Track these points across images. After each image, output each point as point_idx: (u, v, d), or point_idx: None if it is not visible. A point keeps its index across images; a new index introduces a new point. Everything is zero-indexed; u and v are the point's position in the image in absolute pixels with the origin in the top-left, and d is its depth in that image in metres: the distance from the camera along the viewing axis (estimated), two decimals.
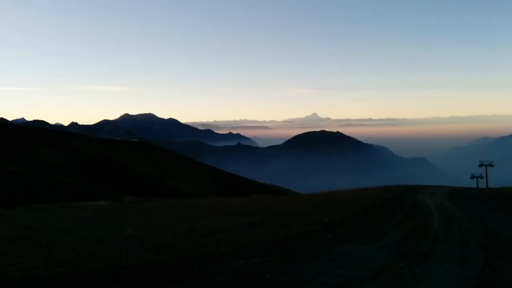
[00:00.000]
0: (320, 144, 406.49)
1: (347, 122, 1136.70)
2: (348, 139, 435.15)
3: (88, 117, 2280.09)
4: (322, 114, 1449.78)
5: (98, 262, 7.35)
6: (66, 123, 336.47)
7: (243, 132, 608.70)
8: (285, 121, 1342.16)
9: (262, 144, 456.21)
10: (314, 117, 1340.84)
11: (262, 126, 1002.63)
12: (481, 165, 64.50)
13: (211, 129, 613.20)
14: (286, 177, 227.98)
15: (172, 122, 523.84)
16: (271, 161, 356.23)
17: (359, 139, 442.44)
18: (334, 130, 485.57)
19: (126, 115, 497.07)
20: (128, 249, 8.39)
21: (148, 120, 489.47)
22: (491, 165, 63.90)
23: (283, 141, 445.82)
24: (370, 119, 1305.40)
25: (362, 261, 8.10)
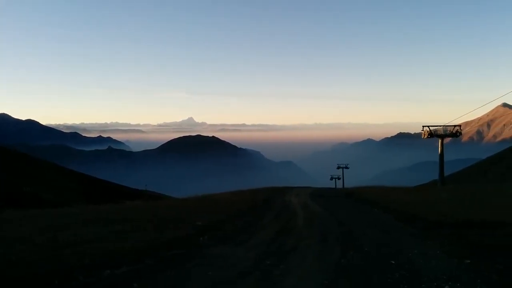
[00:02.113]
0: (196, 148, 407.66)
1: (223, 127, 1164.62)
2: (224, 144, 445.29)
3: None
4: (198, 119, 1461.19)
5: None
6: None
7: (114, 136, 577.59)
8: (160, 125, 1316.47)
9: (135, 148, 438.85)
10: (190, 122, 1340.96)
11: (135, 129, 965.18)
12: (338, 167, 73.04)
13: (78, 132, 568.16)
14: (161, 182, 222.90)
15: (31, 123, 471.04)
16: (145, 166, 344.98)
17: (233, 143, 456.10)
18: (210, 134, 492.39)
19: None
20: None
21: (1, 121, 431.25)
22: (346, 167, 72.80)
23: (158, 145, 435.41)
24: (244, 125, 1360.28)
25: (233, 261, 8.38)
